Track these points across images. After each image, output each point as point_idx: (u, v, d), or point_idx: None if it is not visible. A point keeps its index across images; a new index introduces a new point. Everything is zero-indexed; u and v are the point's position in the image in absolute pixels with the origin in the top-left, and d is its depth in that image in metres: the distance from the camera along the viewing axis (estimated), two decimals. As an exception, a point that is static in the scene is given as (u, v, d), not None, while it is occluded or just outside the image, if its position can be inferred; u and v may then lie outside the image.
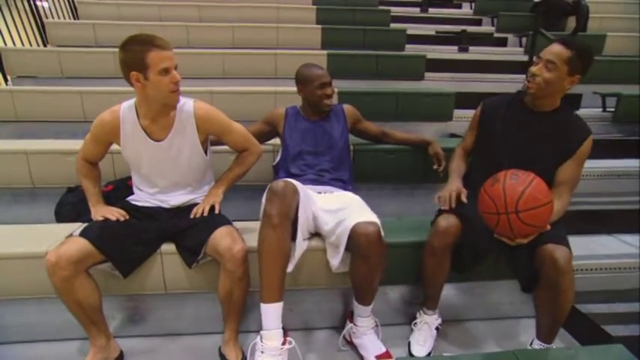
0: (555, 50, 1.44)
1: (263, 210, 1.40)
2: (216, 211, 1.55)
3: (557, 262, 1.32)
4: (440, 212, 1.58)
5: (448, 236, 1.48)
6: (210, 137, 1.66)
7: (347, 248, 1.48)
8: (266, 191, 1.43)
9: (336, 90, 2.51)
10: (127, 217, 1.51)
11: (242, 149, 1.68)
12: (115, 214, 1.50)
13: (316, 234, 1.66)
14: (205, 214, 1.52)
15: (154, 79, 1.36)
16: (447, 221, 1.49)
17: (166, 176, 1.58)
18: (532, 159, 1.51)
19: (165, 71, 1.37)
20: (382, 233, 1.44)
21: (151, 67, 1.34)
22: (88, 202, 1.58)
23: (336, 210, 1.57)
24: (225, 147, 1.70)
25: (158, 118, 1.49)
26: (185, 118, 1.52)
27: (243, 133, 1.66)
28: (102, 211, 1.51)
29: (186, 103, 1.53)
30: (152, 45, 1.34)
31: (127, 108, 1.51)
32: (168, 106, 1.48)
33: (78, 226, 1.49)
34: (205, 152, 1.62)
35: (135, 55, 1.34)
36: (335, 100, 2.54)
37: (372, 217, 1.49)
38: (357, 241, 1.42)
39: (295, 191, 1.44)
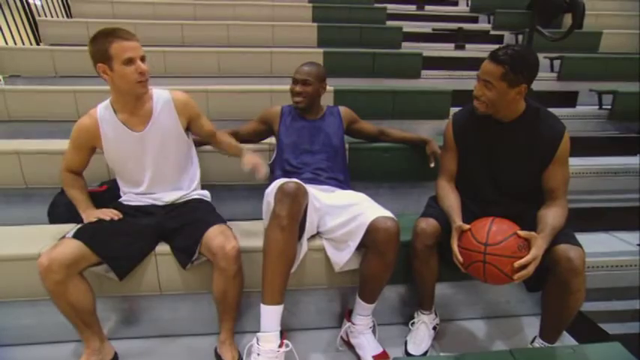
0: (487, 69, 1.37)
1: (273, 210, 1.38)
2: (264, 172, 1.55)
3: (572, 262, 1.29)
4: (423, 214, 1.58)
5: (427, 238, 1.47)
6: (194, 137, 1.68)
7: (358, 244, 1.47)
8: (275, 191, 1.41)
9: (332, 88, 2.52)
10: (121, 215, 1.50)
11: (212, 132, 1.70)
12: (108, 214, 1.48)
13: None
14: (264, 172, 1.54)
15: (118, 70, 1.38)
16: (425, 223, 1.49)
17: (153, 167, 1.57)
18: (512, 172, 1.50)
19: (130, 61, 1.38)
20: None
21: (115, 57, 1.37)
22: (78, 209, 1.57)
23: (347, 205, 1.56)
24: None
25: (135, 110, 1.51)
26: (163, 105, 1.55)
27: (210, 123, 1.71)
28: (94, 214, 1.50)
29: (162, 92, 1.57)
30: (114, 36, 1.37)
31: (103, 108, 1.53)
32: (139, 97, 1.49)
33: (71, 227, 1.47)
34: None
35: (99, 46, 1.37)
36: (331, 99, 2.54)
37: (389, 213, 1.49)
38: (375, 236, 1.42)
39: (306, 193, 1.43)
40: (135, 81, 1.41)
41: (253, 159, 1.57)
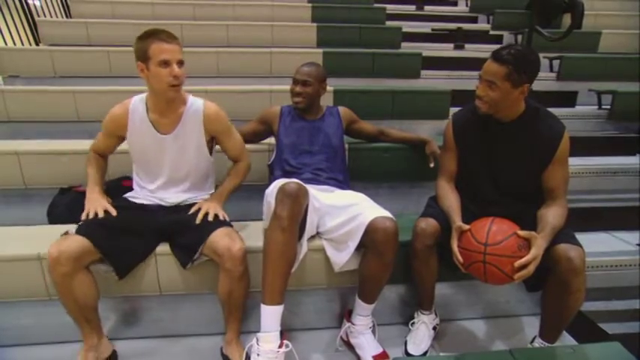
0: (491, 69, 1.37)
1: (273, 211, 1.38)
2: (222, 218, 1.53)
3: (572, 262, 1.29)
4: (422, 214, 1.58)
5: (427, 238, 1.47)
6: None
7: (357, 244, 1.47)
8: (276, 192, 1.41)
9: (331, 89, 2.52)
10: (101, 213, 1.46)
11: (237, 157, 1.71)
12: (97, 208, 1.46)
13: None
14: (210, 218, 1.51)
15: (153, 70, 1.41)
16: (425, 223, 1.49)
17: (170, 171, 1.58)
18: (511, 172, 1.50)
19: (165, 63, 1.40)
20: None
21: (152, 58, 1.39)
22: (87, 186, 1.58)
23: (346, 205, 1.56)
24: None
25: (166, 112, 1.52)
26: (193, 114, 1.55)
27: (241, 142, 1.72)
28: (92, 200, 1.50)
29: (197, 101, 1.57)
30: (155, 37, 1.40)
31: (138, 101, 1.56)
32: (170, 100, 1.49)
33: (71, 227, 1.47)
34: (210, 153, 1.64)
35: (140, 46, 1.41)
36: (331, 99, 2.54)
37: (388, 213, 1.49)
38: (374, 236, 1.42)
39: (306, 193, 1.43)
40: (168, 84, 1.42)
41: (207, 205, 1.55)
